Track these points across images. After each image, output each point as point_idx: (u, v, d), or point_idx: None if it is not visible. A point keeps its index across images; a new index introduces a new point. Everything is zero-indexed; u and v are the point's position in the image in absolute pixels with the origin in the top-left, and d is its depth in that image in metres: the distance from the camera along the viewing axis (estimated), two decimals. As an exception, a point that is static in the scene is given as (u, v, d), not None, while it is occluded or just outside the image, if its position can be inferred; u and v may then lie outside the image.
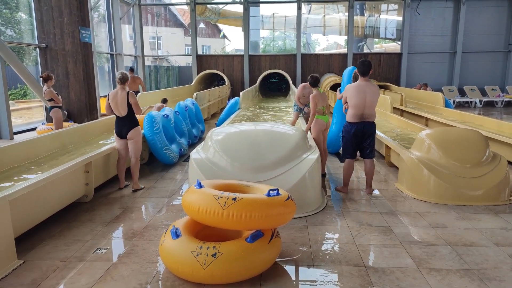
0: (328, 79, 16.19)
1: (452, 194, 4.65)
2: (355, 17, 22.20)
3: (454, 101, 16.55)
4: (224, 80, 17.74)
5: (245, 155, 4.44)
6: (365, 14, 21.89)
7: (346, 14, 19.17)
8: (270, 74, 17.97)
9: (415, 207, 4.52)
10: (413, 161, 4.98)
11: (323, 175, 5.86)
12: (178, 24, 44.31)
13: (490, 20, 17.60)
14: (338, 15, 21.77)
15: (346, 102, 4.93)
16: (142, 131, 6.34)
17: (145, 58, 17.89)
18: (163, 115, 6.68)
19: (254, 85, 16.13)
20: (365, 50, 22.84)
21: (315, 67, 18.17)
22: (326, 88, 14.74)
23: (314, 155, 4.65)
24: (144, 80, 18.17)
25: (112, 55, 15.56)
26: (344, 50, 18.61)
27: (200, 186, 3.21)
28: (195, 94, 10.44)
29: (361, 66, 4.79)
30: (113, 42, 15.55)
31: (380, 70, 18.27)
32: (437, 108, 11.33)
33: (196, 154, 4.66)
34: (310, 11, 23.87)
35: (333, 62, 18.20)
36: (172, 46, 38.64)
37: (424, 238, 3.69)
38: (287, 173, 4.33)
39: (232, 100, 9.91)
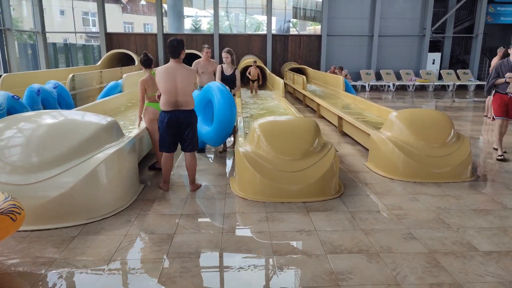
0: (245, 61, 15.60)
1: (274, 191, 4.22)
2: (282, -3, 21.75)
3: (369, 85, 16.67)
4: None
5: (19, 151, 3.70)
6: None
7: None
8: (192, 55, 17.01)
9: (229, 207, 4.05)
10: (239, 155, 4.50)
11: (160, 169, 5.26)
12: (114, 0, 41.51)
13: (406, 4, 17.79)
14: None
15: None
16: None
17: (77, 35, 16.18)
18: (-16, 101, 5.70)
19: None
20: (292, 31, 22.54)
21: (234, 48, 17.27)
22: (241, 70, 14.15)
23: (113, 148, 4.01)
24: (47, 59, 16.55)
25: (-1, 30, 13.86)
26: (265, 32, 18.02)
27: None
28: (70, 75, 9.37)
29: (169, 46, 4.19)
30: (0, 15, 13.84)
31: (301, 52, 17.98)
32: (337, 91, 11.13)
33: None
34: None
35: (252, 43, 17.61)
36: (108, 23, 36.33)
37: (198, 248, 3.20)
38: (69, 171, 3.65)
39: (111, 83, 8.99)
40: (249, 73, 11.71)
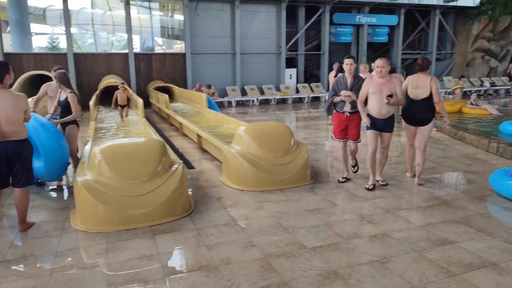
0: (106, 81, 14.74)
1: (118, 219, 3.98)
2: (144, 16, 21.32)
3: (235, 100, 17.40)
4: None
5: None
6: (152, 13, 21.20)
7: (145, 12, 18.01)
8: (45, 77, 15.18)
9: (64, 244, 3.67)
10: (77, 185, 4.13)
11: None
12: None
13: (263, 24, 19.20)
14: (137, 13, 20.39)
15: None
16: None
17: None
18: None
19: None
20: (158, 50, 22.27)
21: (93, 67, 16.38)
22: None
23: None
24: None
25: None
26: (132, 50, 17.30)
27: None
28: None
29: None
30: None
31: (166, 70, 17.81)
32: (201, 108, 11.29)
33: None
34: (93, 5, 21.79)
35: (113, 62, 16.76)
36: None
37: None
38: None
39: None
40: (116, 98, 9.85)
